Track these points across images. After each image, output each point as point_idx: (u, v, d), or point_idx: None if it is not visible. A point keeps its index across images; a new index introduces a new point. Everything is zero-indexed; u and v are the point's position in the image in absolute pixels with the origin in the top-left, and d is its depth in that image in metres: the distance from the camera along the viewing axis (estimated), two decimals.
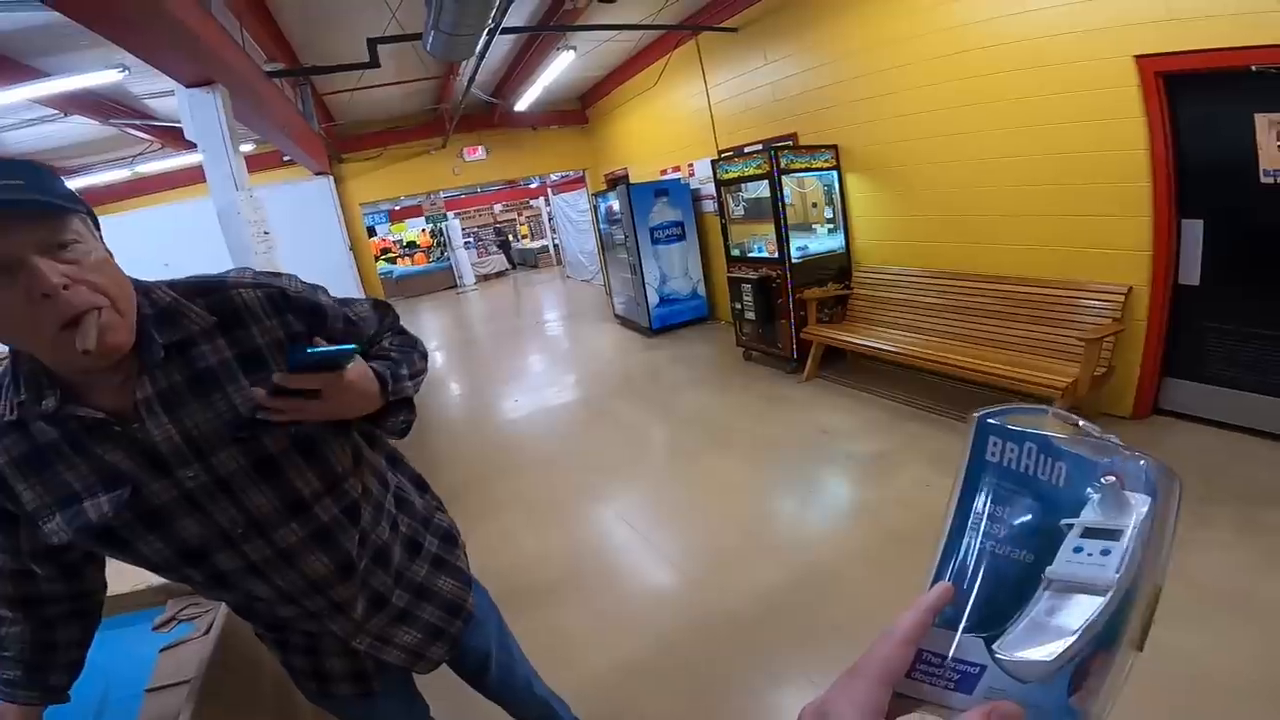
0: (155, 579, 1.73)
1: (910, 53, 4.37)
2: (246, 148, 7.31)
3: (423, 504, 1.36)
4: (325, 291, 1.11)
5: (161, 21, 2.46)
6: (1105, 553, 0.39)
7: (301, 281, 1.08)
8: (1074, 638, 0.38)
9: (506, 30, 4.92)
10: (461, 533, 1.47)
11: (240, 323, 0.97)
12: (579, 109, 10.23)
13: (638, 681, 2.38)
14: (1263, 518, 2.62)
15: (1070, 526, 0.41)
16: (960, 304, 4.33)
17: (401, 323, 1.27)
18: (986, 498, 0.43)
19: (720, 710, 2.20)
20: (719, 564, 3.02)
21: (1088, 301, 3.61)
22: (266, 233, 3.40)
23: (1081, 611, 0.38)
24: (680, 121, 7.59)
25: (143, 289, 0.93)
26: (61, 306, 0.78)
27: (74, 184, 5.83)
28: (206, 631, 1.47)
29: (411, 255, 19.16)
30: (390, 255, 19.21)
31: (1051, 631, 0.38)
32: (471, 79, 6.32)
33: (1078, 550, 0.40)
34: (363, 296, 1.29)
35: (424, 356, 1.23)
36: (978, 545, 0.42)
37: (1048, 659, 0.37)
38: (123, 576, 2.04)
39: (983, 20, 3.82)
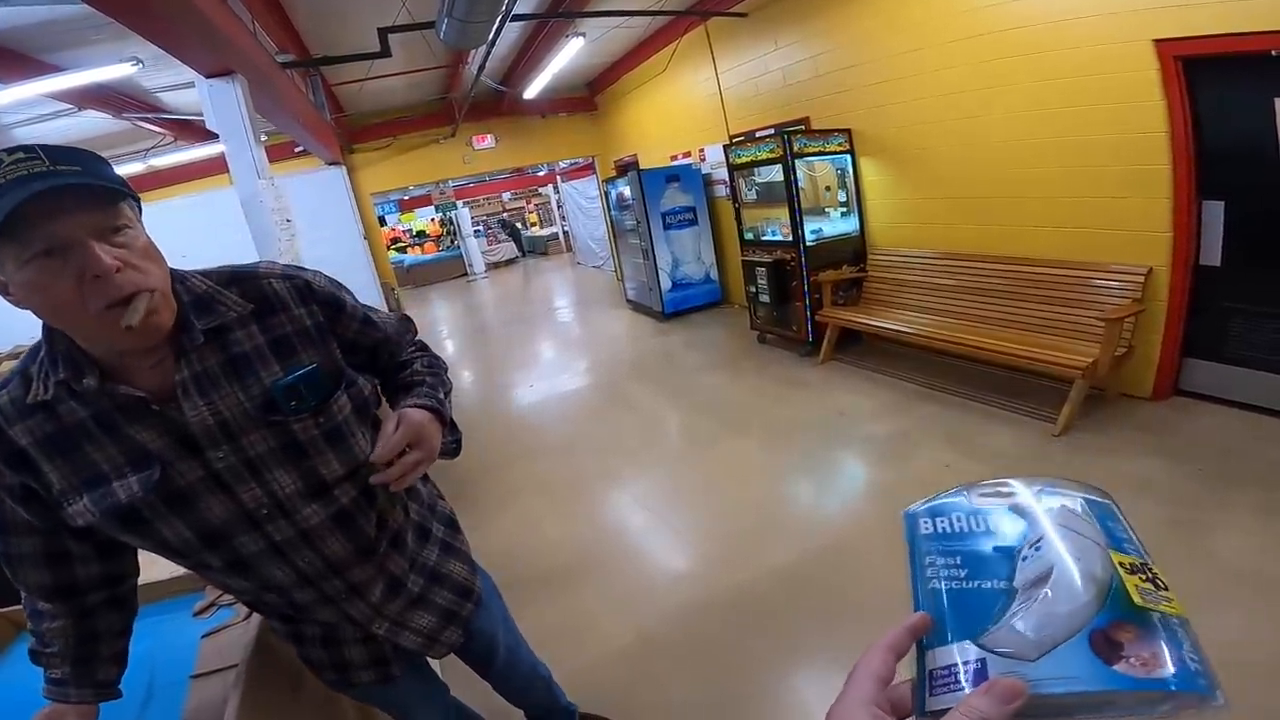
0: (173, 568, 1.77)
1: (925, 36, 4.32)
2: (262, 138, 7.36)
3: (426, 492, 1.39)
4: (348, 291, 1.16)
5: (183, 12, 2.48)
6: (1037, 549, 0.45)
7: (326, 277, 1.13)
8: (1026, 603, 0.42)
9: (516, 17, 4.91)
10: (482, 518, 1.51)
11: (271, 310, 1.01)
12: (588, 96, 10.17)
13: (658, 661, 2.41)
14: None
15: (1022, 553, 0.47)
16: (977, 285, 4.31)
17: (413, 311, 1.30)
18: (938, 557, 0.49)
19: (740, 688, 2.23)
20: (737, 545, 3.05)
21: (1107, 282, 3.59)
22: (289, 220, 3.43)
23: (1039, 592, 0.43)
24: (691, 107, 7.54)
25: (178, 277, 0.96)
26: (111, 288, 0.81)
27: None
28: (248, 616, 1.50)
29: (421, 244, 19.21)
30: (400, 245, 19.26)
31: (1025, 615, 0.42)
32: (481, 67, 6.29)
33: (1024, 559, 0.45)
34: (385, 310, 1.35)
35: (447, 372, 1.29)
36: (945, 587, 0.47)
37: (1018, 624, 0.41)
38: (159, 564, 2.09)
39: (1000, 3, 3.77)
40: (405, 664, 1.31)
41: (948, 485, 0.54)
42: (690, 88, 7.39)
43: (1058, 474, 0.51)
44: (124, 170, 7.50)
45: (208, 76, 3.12)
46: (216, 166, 6.71)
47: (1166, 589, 0.42)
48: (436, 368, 1.26)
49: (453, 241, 18.19)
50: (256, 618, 1.45)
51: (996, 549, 0.46)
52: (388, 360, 1.24)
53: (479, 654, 1.50)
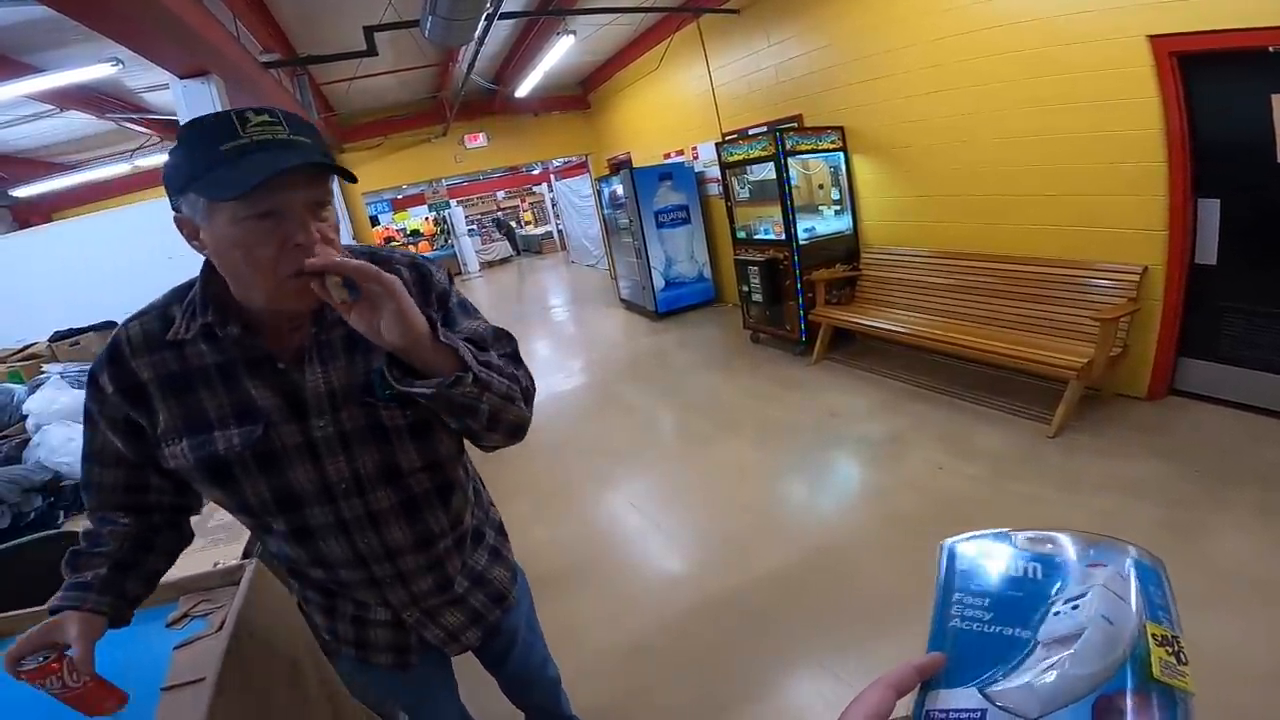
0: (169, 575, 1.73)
1: (918, 32, 4.28)
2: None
3: (486, 497, 1.44)
4: (455, 286, 1.16)
5: (152, 13, 2.42)
6: (1075, 608, 0.44)
7: (443, 271, 1.14)
8: (1046, 661, 0.41)
9: (505, 15, 4.86)
10: None
11: None
12: (580, 94, 10.13)
13: (648, 665, 2.38)
14: None
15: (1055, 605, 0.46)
16: (971, 284, 4.28)
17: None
18: (968, 595, 0.48)
19: (730, 692, 2.20)
20: (729, 548, 3.02)
21: (1102, 281, 3.56)
22: None
23: (1061, 653, 0.41)
24: (683, 105, 7.50)
25: None
26: (303, 258, 0.84)
27: (74, 179, 5.81)
28: (219, 628, 1.46)
29: (416, 244, 19.12)
30: (395, 244, 19.15)
31: (1039, 673, 0.41)
32: (471, 65, 6.25)
33: (1056, 614, 0.44)
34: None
35: (526, 380, 1.15)
36: (966, 628, 0.46)
37: (1030, 681, 0.41)
38: None
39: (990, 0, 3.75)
40: (422, 656, 1.31)
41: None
42: (683, 85, 7.36)
43: (1105, 530, 0.49)
44: (110, 171, 7.46)
45: (182, 77, 3.06)
46: None
47: (1186, 664, 0.41)
48: (514, 373, 1.10)
49: (446, 240, 18.13)
50: (228, 630, 1.41)
51: (1029, 598, 0.45)
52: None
53: (497, 651, 1.48)
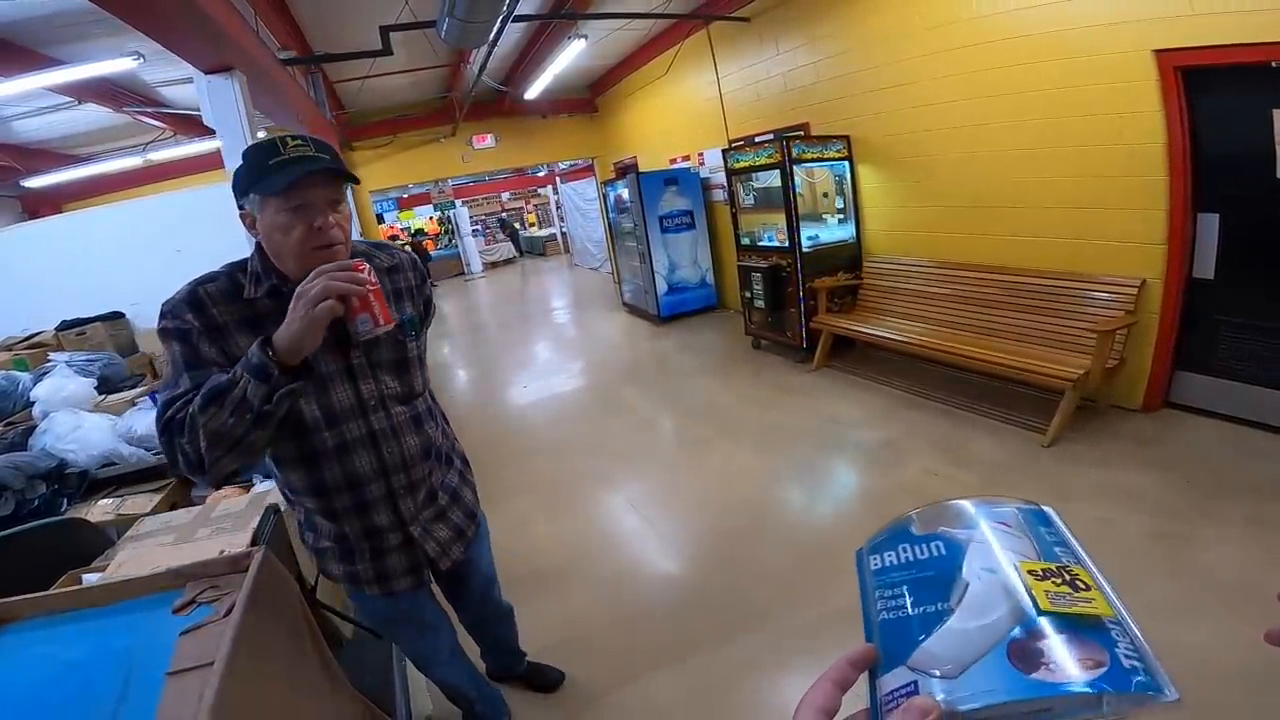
0: (165, 563, 1.76)
1: (925, 44, 4.34)
2: (260, 135, 7.34)
3: (452, 432, 1.75)
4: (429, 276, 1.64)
5: (183, 8, 2.47)
6: (979, 569, 0.45)
7: (424, 264, 1.63)
8: (947, 625, 0.42)
9: (518, 18, 4.91)
10: None
11: (399, 270, 1.48)
12: (589, 98, 10.18)
13: (645, 663, 2.41)
14: (1273, 513, 2.62)
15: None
16: (972, 295, 4.33)
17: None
18: (886, 589, 0.49)
19: (725, 691, 2.24)
20: (727, 551, 3.05)
21: (1100, 294, 3.60)
22: None
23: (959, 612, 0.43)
24: (690, 111, 7.56)
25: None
26: (324, 238, 1.22)
27: (86, 171, 5.87)
28: (227, 614, 1.49)
29: (420, 243, 19.16)
30: (399, 243, 19.20)
31: (939, 634, 0.42)
32: (483, 67, 6.30)
33: (968, 582, 0.45)
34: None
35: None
36: (889, 617, 0.47)
37: (928, 643, 0.42)
38: (140, 560, 2.08)
39: (1001, 12, 3.80)
40: (428, 575, 1.61)
41: (935, 494, 0.53)
42: (691, 91, 7.41)
43: (1093, 540, 0.49)
44: (122, 164, 7.51)
45: (207, 73, 3.11)
46: (214, 162, 6.73)
47: (1089, 589, 0.42)
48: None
49: (450, 240, 18.18)
50: (236, 615, 1.44)
51: (940, 574, 0.46)
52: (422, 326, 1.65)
53: (463, 574, 1.81)
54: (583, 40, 6.10)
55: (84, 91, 5.00)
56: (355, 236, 1.43)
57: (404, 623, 1.71)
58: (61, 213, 7.31)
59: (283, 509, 2.20)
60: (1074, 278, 3.74)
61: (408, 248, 1.79)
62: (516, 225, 20.86)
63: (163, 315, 1.24)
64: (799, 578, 2.76)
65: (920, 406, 4.25)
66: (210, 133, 3.57)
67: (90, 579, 1.95)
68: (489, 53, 5.57)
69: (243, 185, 1.23)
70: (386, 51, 5.02)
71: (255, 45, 3.55)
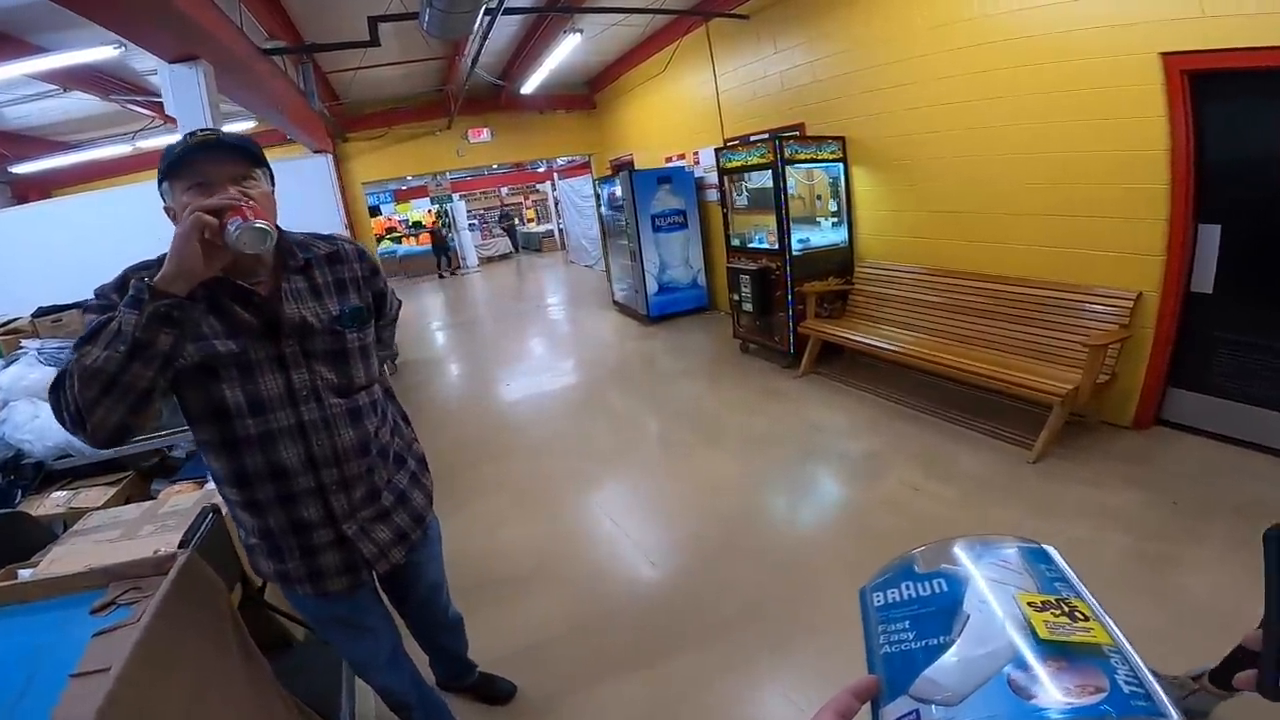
0: (100, 561, 1.69)
1: (926, 44, 4.24)
2: (246, 125, 7.25)
3: (409, 432, 1.71)
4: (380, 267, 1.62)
5: None
6: (980, 605, 0.47)
7: (373, 256, 1.64)
8: (949, 655, 0.44)
9: (511, 10, 4.84)
10: (441, 517, 1.81)
11: (341, 260, 1.47)
12: (586, 94, 10.11)
13: (601, 675, 2.34)
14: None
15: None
16: (963, 304, 4.23)
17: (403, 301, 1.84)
18: (890, 624, 0.50)
19: (679, 708, 2.16)
20: (700, 561, 2.96)
21: (1095, 306, 3.50)
22: None
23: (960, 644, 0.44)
24: (687, 109, 7.47)
25: (284, 230, 1.38)
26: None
27: (75, 158, 5.81)
28: (139, 618, 1.42)
29: (417, 235, 19.14)
30: (396, 235, 19.20)
31: (941, 664, 0.44)
32: (475, 60, 6.22)
33: (969, 617, 0.47)
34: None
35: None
36: (892, 650, 0.48)
37: (929, 673, 0.43)
38: (76, 557, 2.00)
39: (1003, 13, 3.70)
40: (367, 576, 1.56)
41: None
42: (688, 89, 7.33)
43: (1076, 558, 0.52)
44: (110, 151, 7.44)
45: (170, 61, 3.03)
46: None
47: (1088, 619, 0.43)
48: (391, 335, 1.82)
49: (447, 234, 18.14)
50: (144, 621, 1.37)
51: (941, 611, 0.48)
52: (378, 318, 1.61)
53: (407, 579, 1.75)
54: (578, 35, 6.02)
55: (69, 79, 4.92)
56: (336, 226, 1.43)
57: (339, 625, 1.65)
58: (50, 198, 7.23)
59: (224, 510, 2.13)
60: (1068, 289, 3.64)
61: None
62: (514, 220, 20.82)
63: (92, 298, 1.25)
64: (767, 592, 2.68)
65: (906, 417, 4.16)
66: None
67: (25, 574, 1.89)
68: (480, 45, 5.48)
69: (159, 180, 1.26)
70: (374, 42, 4.94)
71: (229, 33, 3.45)
